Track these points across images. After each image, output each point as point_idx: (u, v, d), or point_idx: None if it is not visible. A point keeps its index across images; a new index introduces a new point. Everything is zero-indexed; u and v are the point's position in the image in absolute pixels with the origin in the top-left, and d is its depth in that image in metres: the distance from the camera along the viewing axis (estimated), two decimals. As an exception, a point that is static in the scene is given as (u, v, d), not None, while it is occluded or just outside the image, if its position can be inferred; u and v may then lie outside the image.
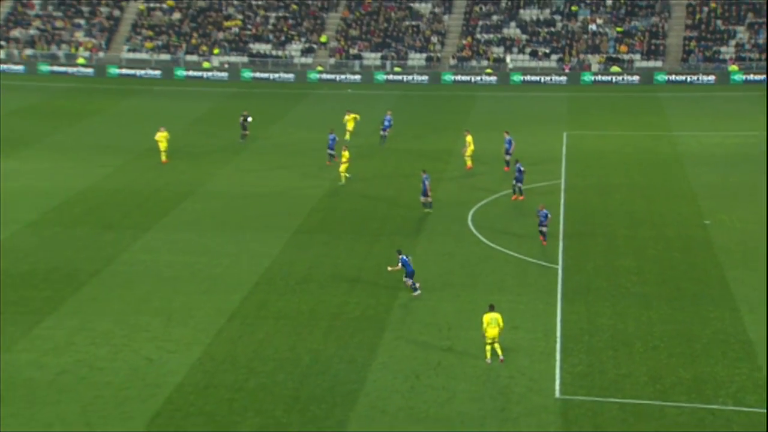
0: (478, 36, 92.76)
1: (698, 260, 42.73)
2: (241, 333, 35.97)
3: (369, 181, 55.17)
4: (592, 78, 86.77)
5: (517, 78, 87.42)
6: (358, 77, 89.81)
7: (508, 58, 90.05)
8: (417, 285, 38.74)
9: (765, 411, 29.96)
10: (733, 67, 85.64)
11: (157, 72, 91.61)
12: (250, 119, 63.89)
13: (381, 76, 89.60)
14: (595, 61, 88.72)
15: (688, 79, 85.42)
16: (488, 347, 32.91)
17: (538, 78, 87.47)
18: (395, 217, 49.01)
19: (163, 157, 58.58)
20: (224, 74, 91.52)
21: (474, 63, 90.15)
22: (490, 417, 29.96)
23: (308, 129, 69.20)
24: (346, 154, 54.66)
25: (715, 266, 41.94)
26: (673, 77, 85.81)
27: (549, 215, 44.24)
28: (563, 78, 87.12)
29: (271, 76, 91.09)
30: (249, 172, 57.62)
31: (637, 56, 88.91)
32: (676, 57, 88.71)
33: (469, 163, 57.50)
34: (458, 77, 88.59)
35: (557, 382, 32.00)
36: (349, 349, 34.57)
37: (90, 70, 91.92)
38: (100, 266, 42.39)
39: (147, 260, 43.42)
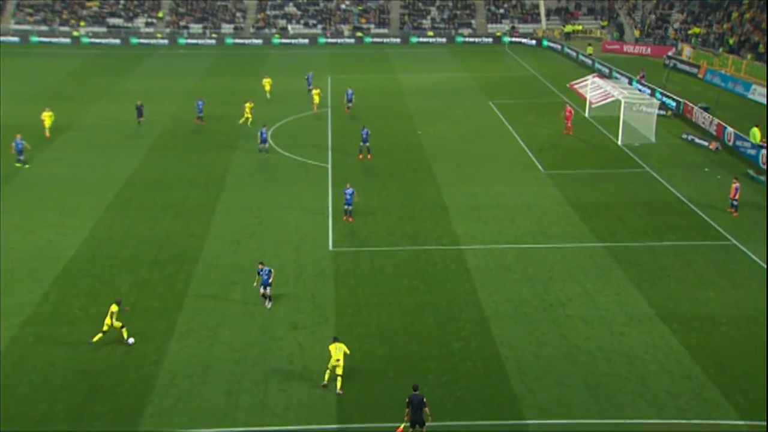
0: (269, 12, 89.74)
1: (415, 157, 43.75)
2: (115, 219, 34.30)
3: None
4: (325, 40, 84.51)
5: (276, 41, 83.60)
6: (166, 41, 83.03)
7: (289, 27, 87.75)
8: (270, 298, 26.89)
9: (458, 248, 31.49)
10: (430, 33, 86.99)
11: (16, 38, 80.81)
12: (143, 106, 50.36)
13: (183, 41, 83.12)
14: (346, 29, 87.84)
15: (387, 40, 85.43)
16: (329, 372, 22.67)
17: (288, 41, 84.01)
18: (219, 137, 47.50)
19: (47, 134, 46.11)
20: (68, 40, 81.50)
21: (267, 31, 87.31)
22: (290, 264, 30.14)
23: (154, 79, 65.58)
24: (249, 105, 48.77)
25: (424, 160, 43.13)
26: (376, 39, 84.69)
27: (354, 193, 34.17)
28: (306, 40, 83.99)
29: (104, 41, 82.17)
30: (112, 110, 54.10)
31: (373, 26, 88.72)
32: (396, 26, 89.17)
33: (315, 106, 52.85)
34: (236, 40, 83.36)
35: (330, 240, 32.43)
36: (191, 227, 33.67)
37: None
38: (8, 177, 39.07)
39: (43, 173, 40.35)
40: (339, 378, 22.29)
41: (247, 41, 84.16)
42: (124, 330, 24.53)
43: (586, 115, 52.14)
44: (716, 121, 47.14)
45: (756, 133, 43.36)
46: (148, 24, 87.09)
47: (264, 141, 43.18)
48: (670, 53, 73.06)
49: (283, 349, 24.55)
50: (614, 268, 29.80)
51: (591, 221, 34.33)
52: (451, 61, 74.93)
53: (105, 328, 24.35)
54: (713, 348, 24.54)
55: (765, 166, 40.64)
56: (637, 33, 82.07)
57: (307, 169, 41.59)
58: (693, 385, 22.71)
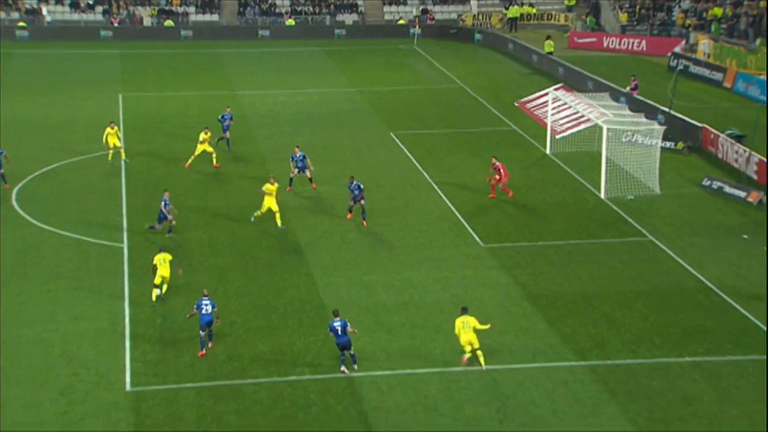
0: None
1: (270, 227, 43.88)
2: None
3: None
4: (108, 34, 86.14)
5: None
6: None
7: (44, 10, 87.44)
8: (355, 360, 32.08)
9: (347, 377, 31.73)
10: (290, 22, 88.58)
11: None
12: None
13: None
14: (146, 14, 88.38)
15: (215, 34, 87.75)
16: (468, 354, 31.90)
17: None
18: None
19: None
20: None
21: (3, 15, 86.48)
22: (52, 419, 29.35)
23: None
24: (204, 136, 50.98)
25: (289, 232, 43.41)
26: (187, 32, 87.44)
27: (215, 310, 33.47)
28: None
29: None
30: None
31: (193, 9, 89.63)
32: (232, 11, 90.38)
33: None
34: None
35: (127, 373, 31.85)
36: None
37: None
38: None
39: None
40: (479, 353, 31.30)
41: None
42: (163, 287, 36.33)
43: (547, 151, 54.01)
44: (756, 157, 49.67)
45: (820, 177, 45.81)
46: None
47: (164, 217, 42.58)
48: (677, 49, 77.04)
49: None
50: (605, 403, 30.49)
51: (563, 325, 35.26)
52: (326, 68, 76.41)
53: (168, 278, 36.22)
54: None
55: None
56: (623, 18, 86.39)
57: (84, 252, 41.06)
58: None
